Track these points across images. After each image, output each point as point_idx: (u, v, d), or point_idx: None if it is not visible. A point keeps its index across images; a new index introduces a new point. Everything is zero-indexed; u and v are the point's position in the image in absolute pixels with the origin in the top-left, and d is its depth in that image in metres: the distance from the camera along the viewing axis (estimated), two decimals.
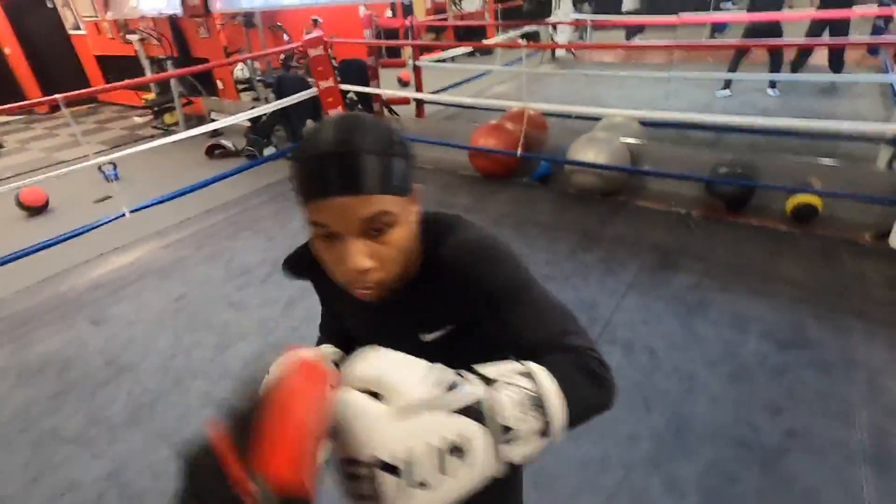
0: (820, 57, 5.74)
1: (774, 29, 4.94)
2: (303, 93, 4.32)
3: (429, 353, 0.53)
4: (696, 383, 1.96)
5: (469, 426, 0.43)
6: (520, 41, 5.34)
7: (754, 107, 5.01)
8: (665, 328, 2.25)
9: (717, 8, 8.69)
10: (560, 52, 7.80)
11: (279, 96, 4.42)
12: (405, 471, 0.41)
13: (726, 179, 3.09)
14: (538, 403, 0.47)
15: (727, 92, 5.45)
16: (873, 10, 5.39)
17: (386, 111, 5.08)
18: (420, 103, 5.01)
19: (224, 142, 5.00)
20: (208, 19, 5.83)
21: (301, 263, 0.72)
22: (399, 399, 0.43)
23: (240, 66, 5.99)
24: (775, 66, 5.06)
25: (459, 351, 0.63)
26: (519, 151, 3.61)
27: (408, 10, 8.55)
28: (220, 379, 2.19)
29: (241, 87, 6.25)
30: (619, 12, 8.70)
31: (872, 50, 5.86)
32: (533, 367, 0.50)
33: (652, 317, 2.33)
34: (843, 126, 3.07)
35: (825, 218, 2.90)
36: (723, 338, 2.17)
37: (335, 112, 4.18)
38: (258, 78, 6.11)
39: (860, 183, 2.93)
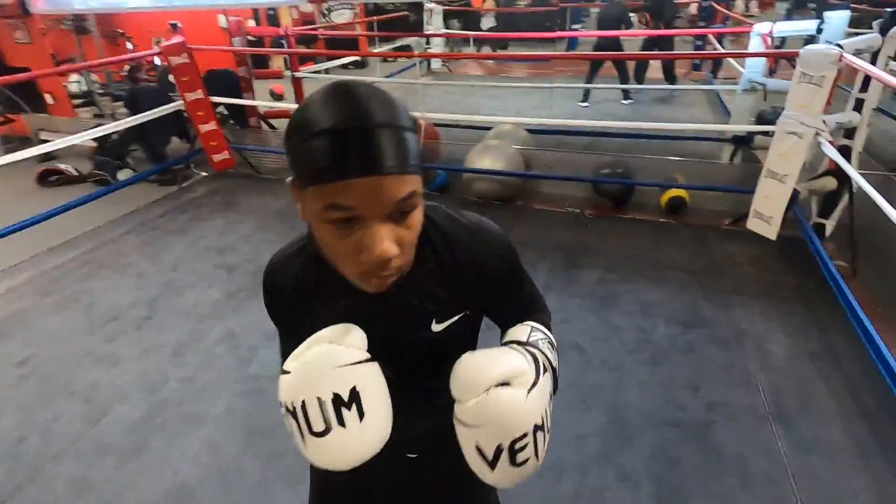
0: (654, 71, 6.64)
1: (617, 45, 5.58)
2: (164, 107, 3.78)
3: (434, 342, 0.66)
4: (624, 373, 2.05)
5: (549, 381, 0.62)
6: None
7: (613, 115, 5.58)
8: (585, 324, 2.34)
9: (571, 27, 9.66)
10: (435, 65, 7.99)
11: (134, 112, 3.82)
12: (546, 423, 0.59)
13: (611, 179, 3.36)
14: (552, 345, 0.69)
15: (586, 103, 6.02)
16: (693, 31, 6.36)
17: (264, 125, 4.69)
18: None
19: (62, 166, 4.19)
20: (27, 22, 4.87)
21: (286, 272, 0.67)
22: (525, 380, 0.57)
23: (74, 77, 5.10)
24: (624, 78, 5.71)
25: (461, 336, 0.69)
26: None
27: (273, 20, 8.10)
28: (98, 456, 1.75)
29: (77, 102, 5.33)
30: (479, 29, 9.22)
31: (695, 65, 6.94)
32: (536, 324, 0.70)
33: (571, 314, 2.40)
34: (705, 127, 3.50)
35: (693, 209, 3.29)
36: (636, 326, 2.31)
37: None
38: (100, 91, 5.26)
39: (713, 176, 3.40)
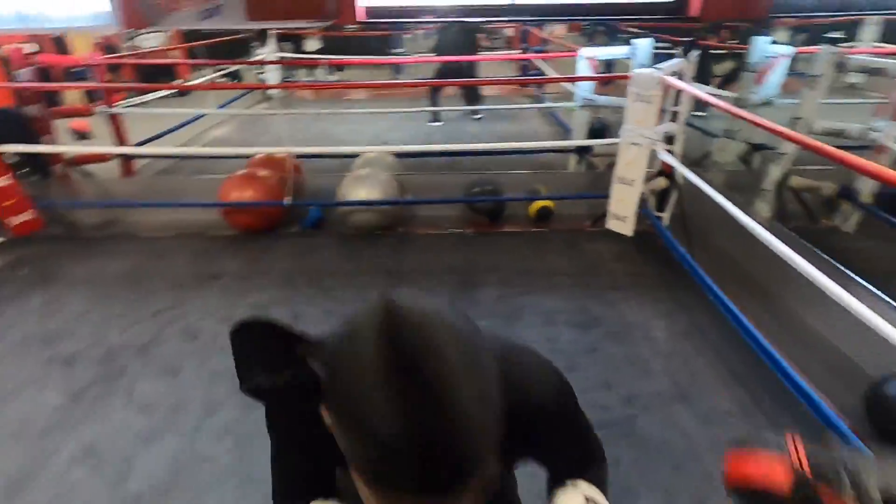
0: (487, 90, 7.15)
1: (461, 68, 5.90)
2: None
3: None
4: None
5: None
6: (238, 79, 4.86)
7: (466, 133, 5.88)
8: None
9: (390, 53, 9.78)
10: (273, 91, 7.52)
11: None
12: None
13: (484, 197, 3.50)
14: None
15: (439, 123, 6.25)
16: (516, 55, 7.03)
17: (75, 173, 3.87)
18: (128, 159, 4.00)
19: None
20: None
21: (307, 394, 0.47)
22: None
23: None
24: (471, 98, 6.06)
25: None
26: (287, 199, 3.26)
27: (60, 47, 6.81)
28: None
29: None
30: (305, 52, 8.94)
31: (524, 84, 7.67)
32: (595, 494, 0.64)
33: None
34: (561, 144, 3.84)
35: (558, 215, 3.60)
36: (544, 336, 2.42)
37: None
38: None
39: (566, 184, 3.77)
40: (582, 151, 4.05)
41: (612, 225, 3.24)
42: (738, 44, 4.22)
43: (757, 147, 4.11)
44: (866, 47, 6.01)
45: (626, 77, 2.84)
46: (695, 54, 2.83)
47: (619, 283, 2.85)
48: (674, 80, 2.65)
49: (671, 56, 3.32)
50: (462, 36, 5.78)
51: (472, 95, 6.11)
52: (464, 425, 0.36)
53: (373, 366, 0.36)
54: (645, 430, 1.90)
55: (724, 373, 2.17)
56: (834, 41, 3.15)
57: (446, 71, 5.79)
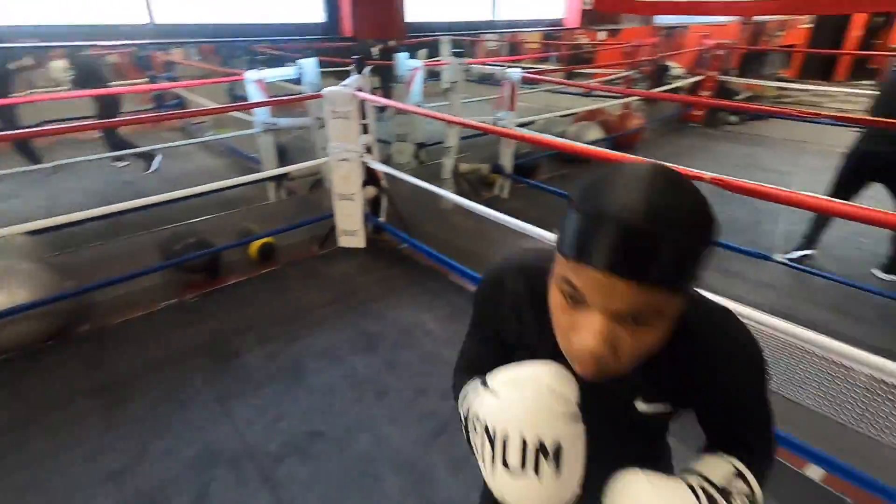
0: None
1: (111, 106, 4.64)
2: None
3: (634, 420, 0.63)
4: (371, 422, 1.98)
5: None
6: None
7: (134, 184, 4.70)
8: (298, 405, 2.07)
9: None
10: None
11: None
12: None
13: (194, 254, 2.92)
14: (741, 475, 0.58)
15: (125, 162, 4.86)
16: (145, 85, 6.08)
17: None
18: None
19: None
20: None
21: (512, 287, 0.65)
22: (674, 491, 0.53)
23: None
24: (115, 143, 4.87)
25: (660, 425, 0.68)
26: None
27: None
28: None
29: None
30: None
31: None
32: (744, 471, 0.58)
33: (282, 407, 2.05)
34: (255, 177, 3.47)
35: (280, 249, 3.34)
36: (339, 375, 2.24)
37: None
38: None
39: (276, 215, 3.54)
40: (280, 178, 3.86)
41: (343, 242, 3.25)
42: (381, 59, 4.78)
43: (421, 145, 4.84)
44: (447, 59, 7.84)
45: (316, 97, 2.84)
46: (367, 70, 3.06)
47: (376, 294, 2.89)
48: (364, 95, 2.80)
49: (336, 74, 3.51)
50: (90, 67, 4.57)
51: (113, 140, 4.92)
52: (663, 224, 0.42)
53: (627, 169, 0.46)
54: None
55: None
56: (458, 55, 3.99)
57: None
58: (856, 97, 6.03)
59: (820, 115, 2.72)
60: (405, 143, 4.43)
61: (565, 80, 6.09)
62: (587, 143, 4.45)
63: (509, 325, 0.67)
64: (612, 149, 5.06)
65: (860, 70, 9.98)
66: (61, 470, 1.76)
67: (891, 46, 8.88)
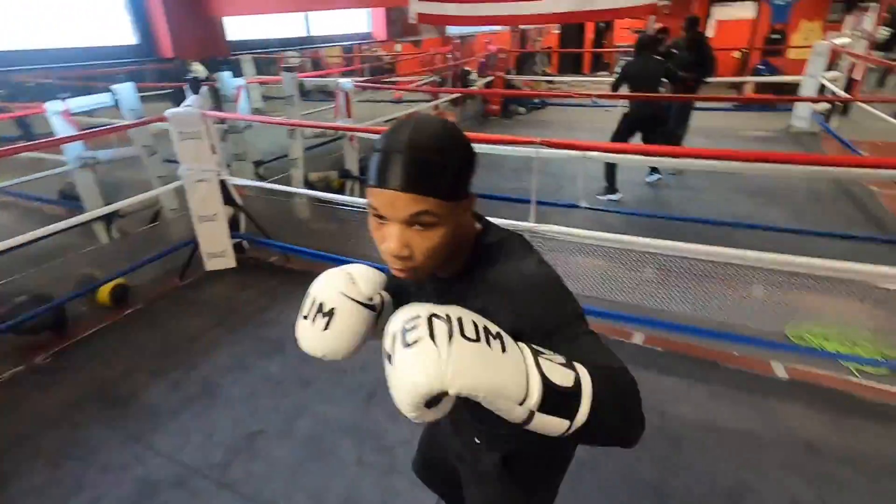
0: None
1: None
2: None
3: None
4: (307, 414, 2.12)
5: (500, 329, 0.56)
6: None
7: None
8: (224, 419, 2.08)
9: None
10: None
11: None
12: (452, 322, 0.52)
13: (33, 313, 2.56)
14: (569, 365, 0.55)
15: None
16: None
17: None
18: None
19: None
20: None
21: None
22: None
23: None
24: None
25: None
26: None
27: None
28: None
29: None
30: None
31: None
32: (575, 363, 0.56)
33: (201, 428, 2.03)
34: (101, 211, 3.08)
35: (136, 290, 3.08)
36: (252, 383, 2.29)
37: None
38: None
39: (115, 255, 3.24)
40: (110, 217, 3.50)
41: (211, 265, 3.17)
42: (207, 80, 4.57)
43: (259, 163, 4.80)
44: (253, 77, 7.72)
45: (163, 119, 2.73)
46: (205, 90, 3.04)
47: (263, 305, 2.91)
48: (214, 113, 2.80)
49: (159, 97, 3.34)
50: None
51: None
52: (437, 152, 0.61)
53: (399, 121, 0.64)
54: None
55: None
56: (290, 69, 4.05)
57: None
58: (599, 83, 7.81)
59: (591, 95, 3.68)
60: (244, 162, 4.37)
61: (395, 86, 6.58)
62: None
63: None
64: None
65: (598, 64, 12.72)
66: None
67: (615, 45, 11.53)
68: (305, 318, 0.75)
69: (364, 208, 3.73)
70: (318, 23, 6.84)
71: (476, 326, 0.54)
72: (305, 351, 0.77)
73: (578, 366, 0.55)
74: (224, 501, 1.70)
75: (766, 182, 4.51)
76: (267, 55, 7.42)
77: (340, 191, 4.51)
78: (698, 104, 5.23)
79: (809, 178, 4.34)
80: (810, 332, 2.37)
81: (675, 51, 4.97)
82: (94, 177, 3.43)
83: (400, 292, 0.85)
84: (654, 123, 4.02)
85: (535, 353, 0.55)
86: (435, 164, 0.60)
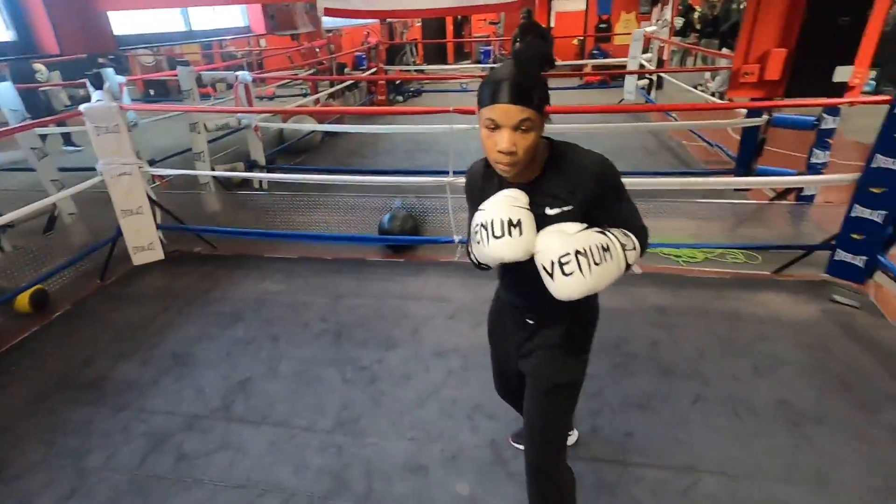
0: None
1: None
2: None
3: (550, 224, 1.01)
4: (287, 358, 2.42)
5: (606, 238, 0.99)
6: None
7: None
8: (207, 378, 2.29)
9: None
10: None
11: None
12: (588, 255, 0.95)
13: None
14: (627, 234, 1.04)
15: None
16: None
17: None
18: None
19: None
20: None
21: (486, 173, 1.13)
22: (569, 229, 1.00)
23: None
24: None
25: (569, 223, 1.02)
26: None
27: None
28: None
29: None
30: None
31: None
32: (627, 231, 1.05)
33: (187, 389, 2.23)
34: None
35: (57, 294, 3.01)
36: (222, 347, 2.51)
37: None
38: None
39: (24, 263, 3.10)
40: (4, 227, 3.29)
41: (140, 259, 3.21)
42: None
43: (151, 162, 4.67)
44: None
45: (81, 113, 2.72)
46: (108, 85, 3.02)
47: (207, 287, 3.04)
48: (130, 106, 2.85)
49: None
50: None
51: None
52: (530, 80, 0.92)
53: (502, 63, 0.97)
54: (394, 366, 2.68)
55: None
56: (186, 63, 3.96)
57: None
58: (464, 70, 8.62)
59: (466, 76, 4.27)
60: None
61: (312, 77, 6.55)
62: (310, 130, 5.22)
63: (477, 193, 1.12)
64: (325, 133, 5.96)
65: (460, 53, 13.68)
66: None
67: (473, 35, 12.53)
68: (500, 236, 0.98)
69: (278, 192, 3.96)
70: (197, 18, 6.57)
71: (600, 250, 0.96)
72: (509, 259, 1.00)
73: (634, 239, 1.03)
74: (238, 431, 1.98)
75: (609, 143, 5.59)
76: (122, 52, 6.91)
77: (245, 181, 4.62)
78: (552, 85, 6.24)
79: (641, 137, 5.50)
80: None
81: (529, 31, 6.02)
82: None
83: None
84: None
85: (623, 247, 1.00)
86: (532, 86, 0.91)
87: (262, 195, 4.36)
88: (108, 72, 3.94)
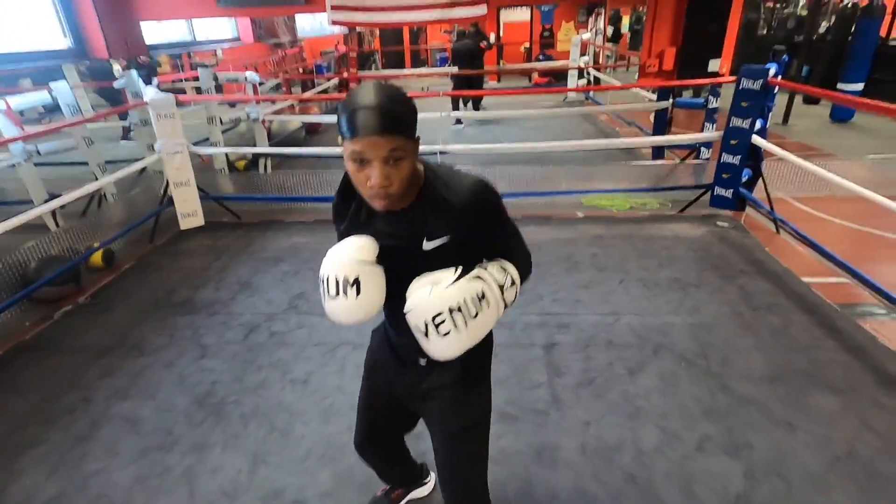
0: None
1: None
2: None
3: (427, 258, 0.93)
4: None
5: (482, 285, 0.91)
6: None
7: None
8: (275, 289, 3.06)
9: None
10: None
11: None
12: (464, 310, 0.87)
13: (58, 271, 3.10)
14: (504, 269, 0.96)
15: None
16: None
17: None
18: None
19: None
20: None
21: (346, 194, 1.00)
22: (443, 280, 0.89)
23: None
24: None
25: (447, 258, 0.93)
26: None
27: None
28: None
29: None
30: None
31: None
32: (501, 261, 0.99)
33: (262, 294, 3.00)
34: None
35: (122, 255, 3.66)
36: (289, 271, 3.28)
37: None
38: None
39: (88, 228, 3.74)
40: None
41: (185, 224, 3.91)
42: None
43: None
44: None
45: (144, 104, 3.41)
46: (155, 81, 3.72)
47: (253, 239, 3.78)
48: (186, 97, 3.56)
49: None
50: None
51: None
52: (397, 105, 0.82)
53: (357, 87, 0.85)
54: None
55: None
56: (205, 66, 4.59)
57: None
58: (423, 74, 9.59)
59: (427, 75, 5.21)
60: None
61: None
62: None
63: (343, 222, 1.02)
64: (308, 132, 6.73)
65: (416, 60, 14.66)
66: None
67: (430, 44, 13.55)
68: (335, 296, 0.90)
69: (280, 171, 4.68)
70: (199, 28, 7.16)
71: (476, 301, 0.88)
72: (347, 324, 0.93)
73: (513, 272, 0.96)
74: (307, 319, 2.77)
75: (559, 129, 6.68)
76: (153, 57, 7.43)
77: (249, 168, 5.34)
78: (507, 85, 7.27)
79: (582, 126, 6.62)
80: (594, 199, 4.27)
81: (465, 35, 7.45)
82: (36, 170, 3.80)
83: (359, 231, 0.98)
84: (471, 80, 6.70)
85: (501, 288, 0.93)
86: (399, 112, 0.81)
87: (266, 176, 5.11)
88: (132, 73, 4.61)
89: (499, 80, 11.43)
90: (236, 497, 1.74)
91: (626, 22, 12.99)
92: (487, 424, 1.17)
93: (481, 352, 1.09)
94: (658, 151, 4.94)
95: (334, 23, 4.39)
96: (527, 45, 12.58)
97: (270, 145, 5.97)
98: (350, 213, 0.98)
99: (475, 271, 0.92)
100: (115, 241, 3.68)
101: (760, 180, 3.61)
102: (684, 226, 3.77)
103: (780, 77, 3.47)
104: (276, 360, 2.45)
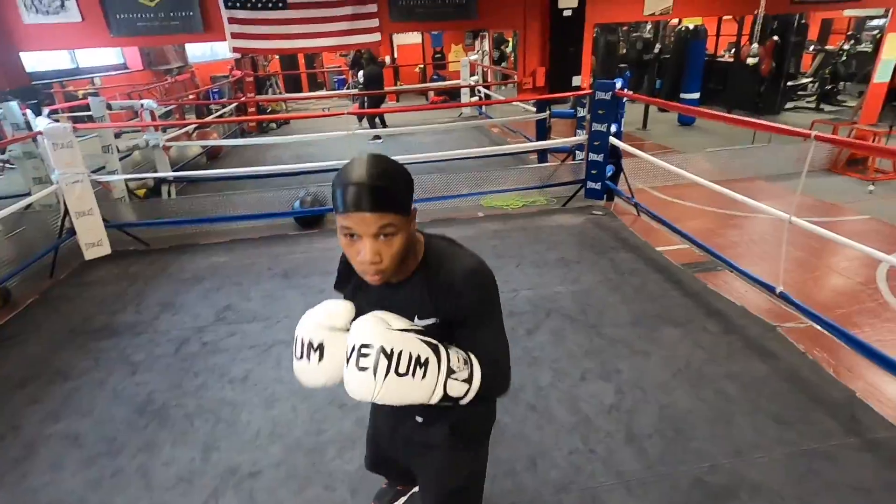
0: None
1: None
2: None
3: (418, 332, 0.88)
4: (281, 305, 3.37)
5: (430, 353, 0.85)
6: None
7: None
8: (216, 299, 3.15)
9: None
10: None
11: None
12: (393, 360, 0.82)
13: None
14: (469, 362, 0.91)
15: None
16: None
17: None
18: None
19: None
20: None
21: (347, 269, 1.04)
22: (398, 324, 0.86)
23: None
24: None
25: (436, 337, 0.90)
26: None
27: None
28: None
29: None
30: None
31: None
32: (471, 358, 0.92)
33: (203, 307, 3.07)
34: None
35: (17, 295, 3.50)
36: (225, 295, 3.36)
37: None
38: None
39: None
40: None
41: (91, 254, 3.82)
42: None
43: None
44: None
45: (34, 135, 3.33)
46: (46, 111, 3.63)
47: (169, 266, 3.78)
48: (83, 125, 3.52)
49: None
50: None
51: None
52: (389, 181, 0.81)
53: (353, 160, 0.83)
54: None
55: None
56: (95, 95, 4.37)
57: None
58: (325, 97, 9.82)
59: (344, 112, 5.52)
60: (44, 184, 4.63)
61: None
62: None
63: (345, 275, 1.07)
64: (209, 157, 6.69)
65: (314, 83, 14.80)
66: None
67: (325, 66, 13.75)
68: (300, 358, 0.90)
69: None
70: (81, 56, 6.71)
71: (412, 362, 0.83)
72: (309, 386, 0.92)
73: (475, 371, 0.90)
74: (237, 327, 2.92)
75: (454, 142, 7.27)
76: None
77: (149, 195, 5.24)
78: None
79: (476, 137, 7.28)
80: (491, 201, 4.82)
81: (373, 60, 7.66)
82: None
83: (353, 297, 1.00)
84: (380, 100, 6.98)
85: (448, 373, 0.87)
86: (390, 188, 0.80)
87: (172, 202, 5.05)
88: (12, 105, 4.39)
89: (397, 100, 11.96)
90: (193, 480, 1.90)
91: (511, 44, 14.29)
92: (480, 489, 1.19)
93: (479, 416, 1.12)
94: (542, 155, 5.65)
95: (235, 50, 4.54)
96: (421, 66, 13.29)
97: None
98: (354, 277, 0.99)
99: (435, 341, 0.88)
100: (9, 280, 3.51)
101: (622, 174, 4.37)
102: (567, 216, 4.42)
103: (626, 89, 4.26)
104: (212, 364, 2.59)
